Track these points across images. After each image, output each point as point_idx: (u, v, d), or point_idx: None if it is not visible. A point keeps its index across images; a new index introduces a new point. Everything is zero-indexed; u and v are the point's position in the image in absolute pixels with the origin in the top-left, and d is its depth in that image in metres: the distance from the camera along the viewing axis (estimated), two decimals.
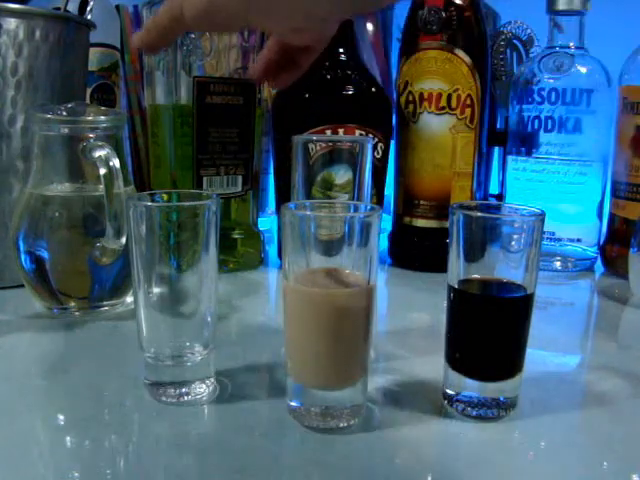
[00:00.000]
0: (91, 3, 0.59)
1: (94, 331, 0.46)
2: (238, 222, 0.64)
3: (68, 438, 0.32)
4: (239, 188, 0.61)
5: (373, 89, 0.62)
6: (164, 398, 0.35)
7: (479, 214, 0.33)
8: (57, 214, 0.47)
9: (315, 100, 0.61)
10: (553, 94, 0.63)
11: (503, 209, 0.39)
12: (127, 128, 0.81)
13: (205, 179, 0.58)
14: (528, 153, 0.65)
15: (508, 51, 0.74)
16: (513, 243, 0.33)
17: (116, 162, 0.44)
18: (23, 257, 0.47)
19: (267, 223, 0.84)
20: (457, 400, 0.34)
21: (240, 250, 0.64)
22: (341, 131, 0.59)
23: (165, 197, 0.37)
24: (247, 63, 0.79)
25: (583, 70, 0.62)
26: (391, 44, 0.85)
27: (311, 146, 0.48)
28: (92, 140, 0.45)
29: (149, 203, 0.34)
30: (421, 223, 0.64)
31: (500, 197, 0.73)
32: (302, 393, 0.33)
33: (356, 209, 0.35)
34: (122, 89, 0.79)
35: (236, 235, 0.63)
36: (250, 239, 0.65)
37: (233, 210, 0.63)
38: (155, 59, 0.58)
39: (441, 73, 0.60)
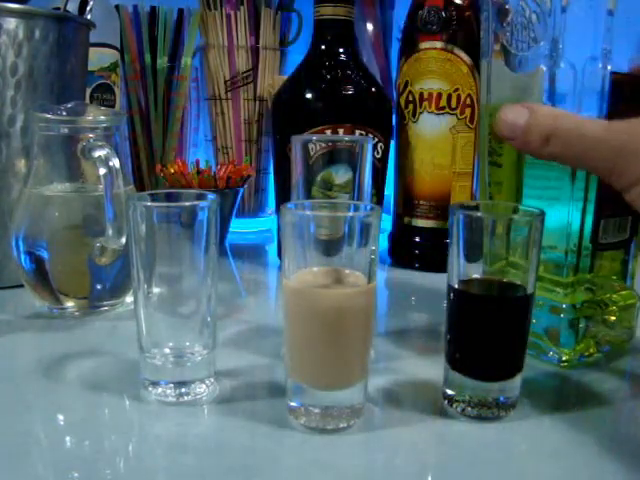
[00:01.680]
0: (91, 3, 0.59)
1: (94, 331, 0.46)
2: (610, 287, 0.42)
3: (68, 438, 0.32)
4: (626, 234, 0.41)
5: (373, 89, 0.62)
6: (164, 398, 0.35)
7: (479, 214, 0.33)
8: (57, 214, 0.47)
9: (315, 100, 0.61)
10: None
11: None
12: (127, 128, 0.81)
13: (603, 222, 0.39)
14: None
15: None
16: None
17: (116, 162, 0.44)
18: (23, 257, 0.47)
19: (267, 223, 0.84)
20: (457, 400, 0.34)
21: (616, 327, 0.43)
22: (341, 131, 0.59)
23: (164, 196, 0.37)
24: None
25: None
26: (391, 44, 0.85)
27: (311, 146, 0.48)
28: (92, 140, 0.45)
29: (149, 203, 0.34)
30: (421, 223, 0.64)
31: None
32: (302, 393, 0.33)
33: (356, 209, 0.35)
34: (122, 89, 0.79)
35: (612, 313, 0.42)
36: (626, 310, 0.43)
37: (606, 267, 0.42)
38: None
39: (441, 73, 0.60)
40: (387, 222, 0.68)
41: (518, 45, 0.38)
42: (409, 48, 0.62)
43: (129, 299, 0.51)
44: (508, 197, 0.42)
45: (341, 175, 0.47)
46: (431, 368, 0.39)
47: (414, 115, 0.62)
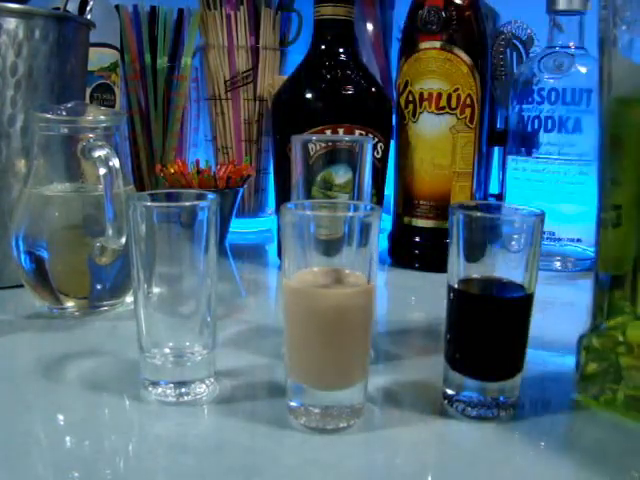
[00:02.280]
0: (91, 3, 0.59)
1: (94, 331, 0.46)
2: None
3: (68, 438, 0.32)
4: None
5: (373, 89, 0.62)
6: (164, 398, 0.35)
7: (479, 214, 0.33)
8: (57, 214, 0.47)
9: (315, 100, 0.61)
10: (553, 94, 0.63)
11: (503, 209, 0.39)
12: (127, 128, 0.81)
13: None
14: (528, 153, 0.65)
15: (508, 51, 0.74)
16: (513, 243, 0.33)
17: (116, 162, 0.44)
18: (23, 257, 0.47)
19: (267, 223, 0.84)
20: (457, 400, 0.34)
21: None
22: (341, 131, 0.59)
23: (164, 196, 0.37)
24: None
25: (583, 70, 0.62)
26: (391, 44, 0.85)
27: (311, 146, 0.47)
28: (92, 140, 0.45)
29: (149, 203, 0.34)
30: (421, 223, 0.64)
31: (500, 197, 0.73)
32: (302, 393, 0.33)
33: (356, 209, 0.35)
34: (122, 89, 0.79)
35: None
36: None
37: None
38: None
39: (441, 73, 0.60)
40: (387, 222, 0.68)
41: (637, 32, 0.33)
42: (409, 48, 0.62)
43: (129, 299, 0.50)
44: (633, 225, 0.32)
45: (341, 175, 0.47)
46: (431, 368, 0.39)
47: (414, 115, 0.62)
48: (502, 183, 0.71)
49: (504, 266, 0.34)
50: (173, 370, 0.35)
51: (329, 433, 0.32)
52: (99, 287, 0.48)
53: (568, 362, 0.41)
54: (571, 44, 0.63)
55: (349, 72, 0.61)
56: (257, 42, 0.80)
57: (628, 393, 0.33)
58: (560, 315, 0.54)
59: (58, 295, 0.48)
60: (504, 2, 0.76)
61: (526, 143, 0.65)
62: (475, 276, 0.34)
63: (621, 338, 0.33)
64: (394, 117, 0.64)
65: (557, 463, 0.30)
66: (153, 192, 0.37)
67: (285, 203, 0.32)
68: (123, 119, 0.50)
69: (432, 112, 0.61)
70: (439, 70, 0.60)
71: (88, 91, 0.70)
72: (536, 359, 0.40)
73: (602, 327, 0.35)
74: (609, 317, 0.33)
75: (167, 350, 0.35)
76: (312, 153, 0.48)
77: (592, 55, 0.63)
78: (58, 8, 0.57)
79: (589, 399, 0.35)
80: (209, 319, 0.36)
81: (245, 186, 0.73)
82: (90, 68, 0.65)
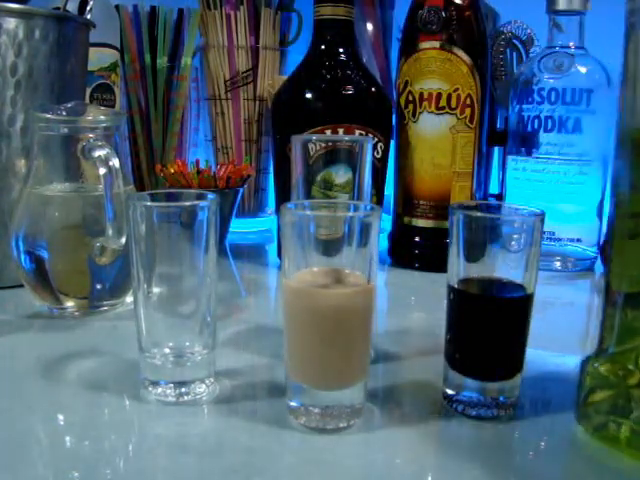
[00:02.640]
0: (91, 3, 0.59)
1: (94, 331, 0.46)
2: None
3: (68, 438, 0.32)
4: None
5: (373, 89, 0.62)
6: (164, 398, 0.35)
7: (479, 214, 0.33)
8: (57, 214, 0.47)
9: (315, 100, 0.61)
10: (553, 94, 0.63)
11: (503, 209, 0.39)
12: (127, 128, 0.81)
13: None
14: (528, 153, 0.65)
15: (508, 51, 0.74)
16: (513, 243, 0.33)
17: (116, 162, 0.44)
18: (23, 257, 0.47)
19: (267, 223, 0.84)
20: (457, 400, 0.34)
21: None
22: (341, 131, 0.59)
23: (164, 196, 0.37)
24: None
25: (583, 70, 0.62)
26: (391, 44, 0.85)
27: (311, 146, 0.47)
28: (92, 140, 0.45)
29: (149, 203, 0.34)
30: (421, 223, 0.64)
31: (500, 197, 0.73)
32: (302, 393, 0.33)
33: (356, 209, 0.35)
34: (122, 89, 0.79)
35: None
36: None
37: None
38: None
39: (441, 73, 0.60)
40: (387, 222, 0.68)
41: None
42: (409, 48, 0.62)
43: (129, 299, 0.50)
44: None
45: (341, 175, 0.47)
46: (431, 368, 0.39)
47: (414, 115, 0.62)
48: (502, 183, 0.71)
49: (504, 266, 0.34)
50: (173, 370, 0.35)
51: (329, 433, 0.32)
52: (99, 287, 0.48)
53: (568, 362, 0.41)
54: (571, 44, 0.63)
55: (349, 72, 0.61)
56: (257, 42, 0.80)
57: (636, 429, 0.30)
58: (560, 315, 0.54)
59: (58, 295, 0.48)
60: (504, 2, 0.76)
61: (526, 143, 0.65)
62: (475, 276, 0.34)
63: (631, 366, 0.30)
64: (394, 117, 0.64)
65: (557, 463, 0.30)
66: (153, 192, 0.37)
67: (285, 203, 0.32)
68: (123, 119, 0.50)
69: (432, 112, 0.61)
70: (439, 70, 0.60)
71: (88, 91, 0.70)
72: (536, 359, 0.40)
73: (610, 351, 0.32)
74: (620, 340, 0.30)
75: (167, 350, 0.35)
76: (312, 153, 0.48)
77: (592, 55, 0.63)
78: (58, 8, 0.57)
79: (589, 430, 0.32)
80: (209, 319, 0.36)
81: (245, 186, 0.73)
82: (90, 68, 0.65)
